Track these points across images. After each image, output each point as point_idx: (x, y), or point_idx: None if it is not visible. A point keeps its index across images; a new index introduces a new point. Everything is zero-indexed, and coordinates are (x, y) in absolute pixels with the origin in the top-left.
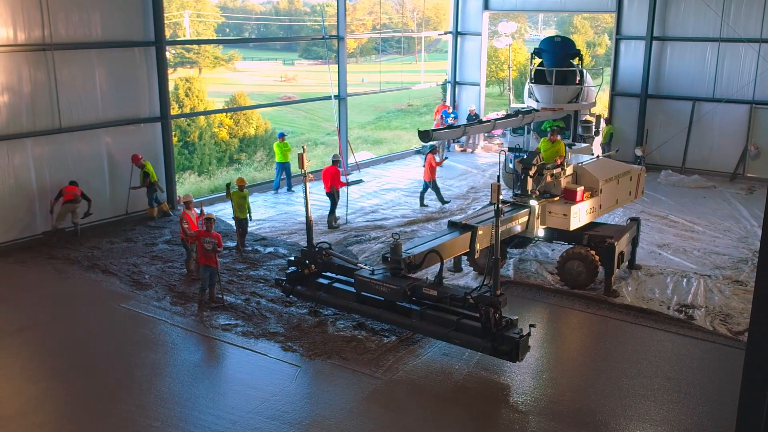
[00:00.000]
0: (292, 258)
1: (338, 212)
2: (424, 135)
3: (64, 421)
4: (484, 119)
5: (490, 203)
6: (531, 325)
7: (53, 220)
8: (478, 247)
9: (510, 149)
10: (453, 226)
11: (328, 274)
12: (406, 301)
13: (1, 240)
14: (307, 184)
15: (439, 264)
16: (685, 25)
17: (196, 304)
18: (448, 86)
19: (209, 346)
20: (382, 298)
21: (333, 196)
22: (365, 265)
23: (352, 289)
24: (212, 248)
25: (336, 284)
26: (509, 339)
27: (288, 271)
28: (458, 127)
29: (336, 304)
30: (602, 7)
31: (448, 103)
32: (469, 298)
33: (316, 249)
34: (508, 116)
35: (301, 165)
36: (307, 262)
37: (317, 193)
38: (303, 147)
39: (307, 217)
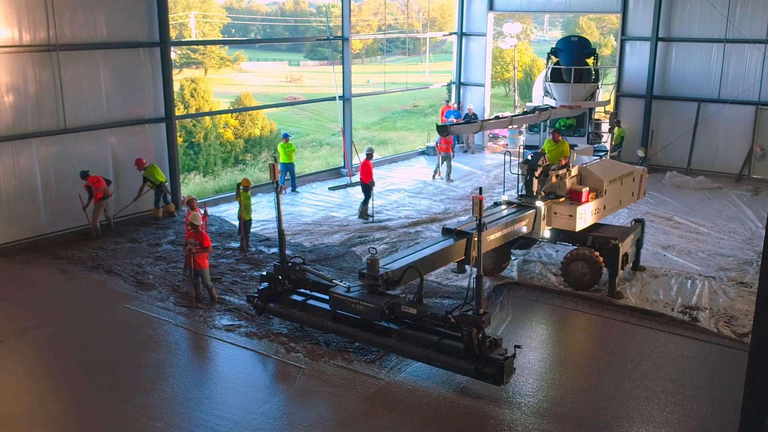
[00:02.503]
0: (264, 273)
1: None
2: (443, 130)
3: (67, 420)
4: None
5: (495, 204)
6: (516, 346)
7: (89, 218)
8: (473, 254)
9: (526, 147)
10: (447, 232)
11: (303, 290)
12: (384, 320)
13: (6, 240)
14: (280, 195)
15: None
16: (691, 26)
17: (200, 304)
18: (453, 87)
19: (212, 346)
20: (359, 317)
21: (367, 189)
22: (340, 281)
23: (328, 307)
24: (195, 249)
25: (311, 301)
26: (493, 361)
27: (260, 288)
28: (475, 122)
29: (311, 322)
30: (607, 8)
31: (452, 103)
32: (450, 317)
33: (290, 264)
34: (524, 113)
35: (272, 176)
36: (280, 278)
37: (321, 193)
38: (274, 157)
39: (279, 229)
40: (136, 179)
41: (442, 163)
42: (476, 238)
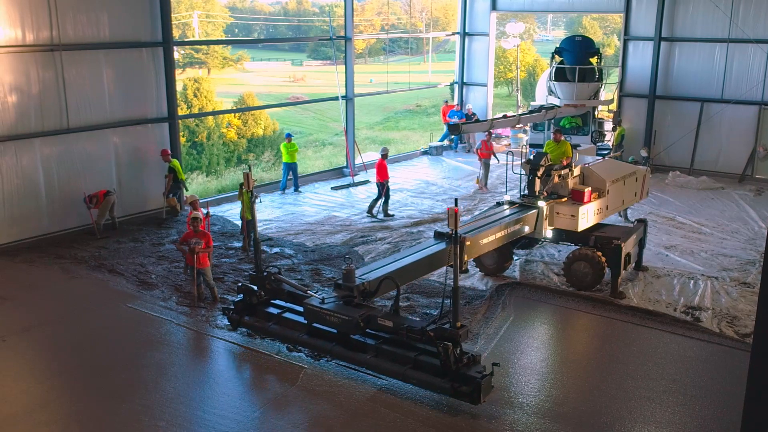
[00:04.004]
0: (240, 285)
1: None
2: (454, 129)
3: (69, 420)
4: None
5: (497, 204)
6: (494, 364)
7: (94, 218)
8: (466, 258)
9: (531, 145)
10: (440, 236)
11: (278, 302)
12: (360, 333)
13: (9, 239)
14: (255, 205)
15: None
16: (694, 26)
17: (202, 304)
18: (456, 87)
19: (214, 346)
20: (335, 331)
21: (381, 188)
22: (316, 291)
23: (304, 320)
24: (200, 248)
25: (287, 314)
26: (470, 379)
27: (235, 300)
28: (485, 121)
29: (286, 337)
30: (610, 8)
31: (455, 103)
32: (427, 330)
33: (264, 273)
34: (530, 112)
35: (247, 186)
36: (255, 289)
37: (324, 193)
38: (249, 166)
39: (255, 238)
40: (138, 179)
41: (482, 169)
42: (468, 243)
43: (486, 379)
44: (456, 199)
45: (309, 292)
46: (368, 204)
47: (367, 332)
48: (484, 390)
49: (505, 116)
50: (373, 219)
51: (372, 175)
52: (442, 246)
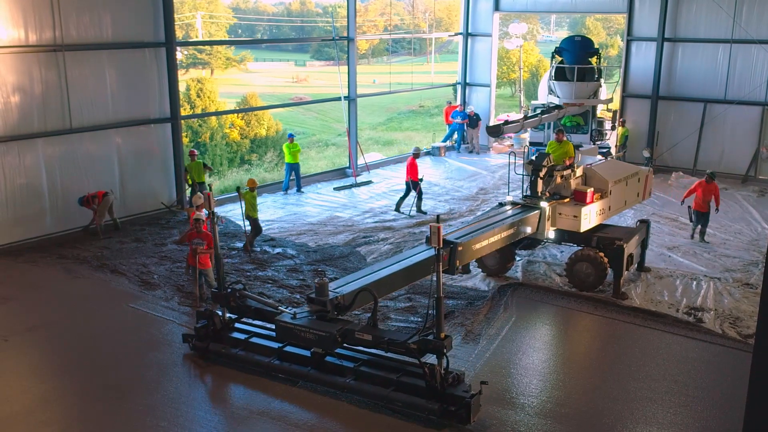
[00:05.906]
0: (203, 309)
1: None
2: (494, 130)
3: (71, 419)
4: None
5: (499, 204)
6: (482, 382)
7: (96, 218)
8: (458, 263)
9: (531, 143)
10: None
11: (245, 323)
12: (337, 348)
13: (12, 239)
14: (216, 226)
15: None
16: (697, 26)
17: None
18: (459, 87)
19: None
20: (309, 352)
21: (409, 186)
22: (287, 307)
23: (274, 344)
24: (201, 249)
25: (256, 333)
26: (458, 399)
27: (197, 326)
28: (516, 121)
29: (256, 363)
30: (613, 8)
31: (457, 104)
32: (409, 343)
33: (228, 290)
34: (542, 112)
35: (209, 206)
36: (219, 312)
37: (326, 194)
38: (209, 185)
39: (216, 255)
40: (141, 179)
41: None
42: (460, 248)
43: (475, 398)
44: (438, 216)
45: (280, 308)
46: (395, 202)
47: (344, 355)
48: (473, 409)
49: (525, 117)
50: (403, 216)
51: (375, 175)
52: (431, 252)
